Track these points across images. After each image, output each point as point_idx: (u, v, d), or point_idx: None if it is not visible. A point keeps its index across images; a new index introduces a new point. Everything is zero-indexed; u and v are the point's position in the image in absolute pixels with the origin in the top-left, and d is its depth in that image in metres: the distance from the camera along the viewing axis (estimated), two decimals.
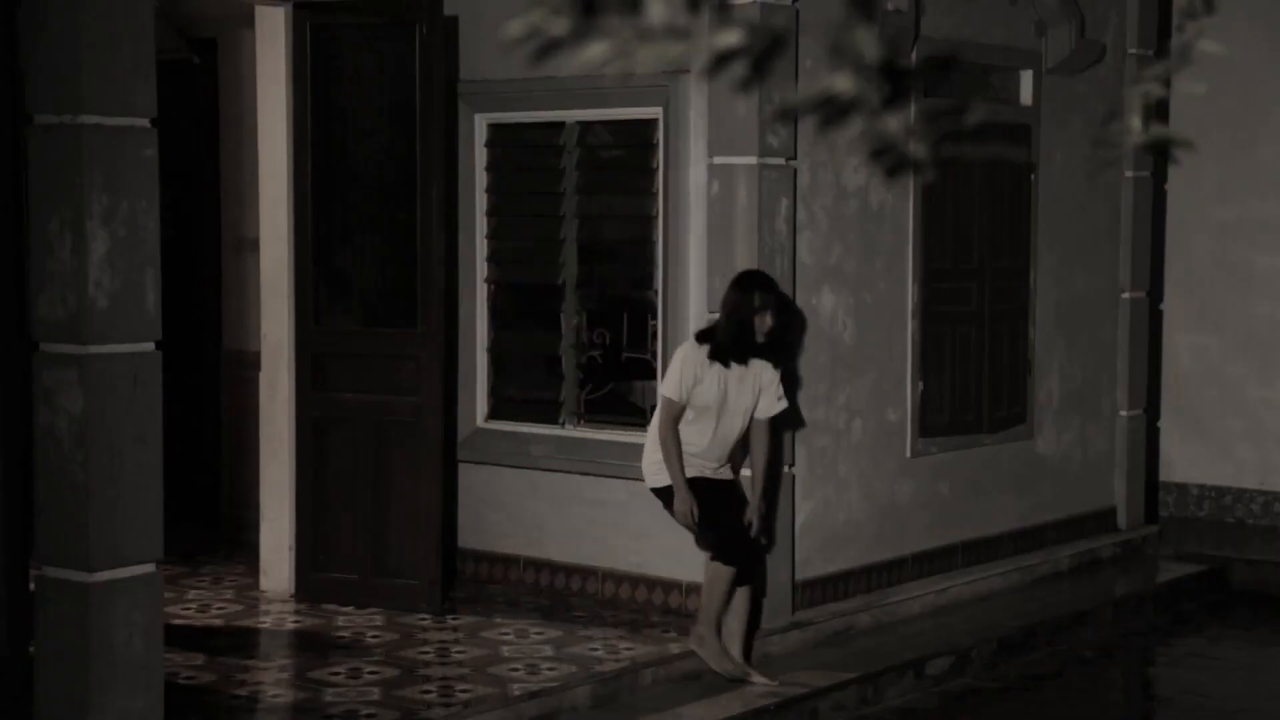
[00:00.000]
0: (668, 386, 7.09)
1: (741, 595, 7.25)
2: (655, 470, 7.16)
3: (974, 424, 9.14)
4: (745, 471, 7.40)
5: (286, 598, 8.38)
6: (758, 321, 7.03)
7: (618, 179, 8.44)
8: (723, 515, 7.15)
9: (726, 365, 7.09)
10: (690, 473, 7.10)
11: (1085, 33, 9.50)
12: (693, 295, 7.99)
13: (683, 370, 7.06)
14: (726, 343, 7.06)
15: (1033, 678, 8.21)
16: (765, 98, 7.58)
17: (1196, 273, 11.16)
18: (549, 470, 8.50)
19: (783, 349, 7.40)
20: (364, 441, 8.15)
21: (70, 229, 5.61)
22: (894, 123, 2.11)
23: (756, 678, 7.25)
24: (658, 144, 8.12)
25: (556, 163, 8.48)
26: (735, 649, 7.26)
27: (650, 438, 7.20)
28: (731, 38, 1.99)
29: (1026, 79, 9.43)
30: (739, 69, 2.03)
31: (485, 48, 8.40)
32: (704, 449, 7.15)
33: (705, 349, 7.07)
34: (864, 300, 8.41)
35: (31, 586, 6.01)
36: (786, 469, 7.93)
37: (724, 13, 2.06)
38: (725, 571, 7.13)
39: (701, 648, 7.17)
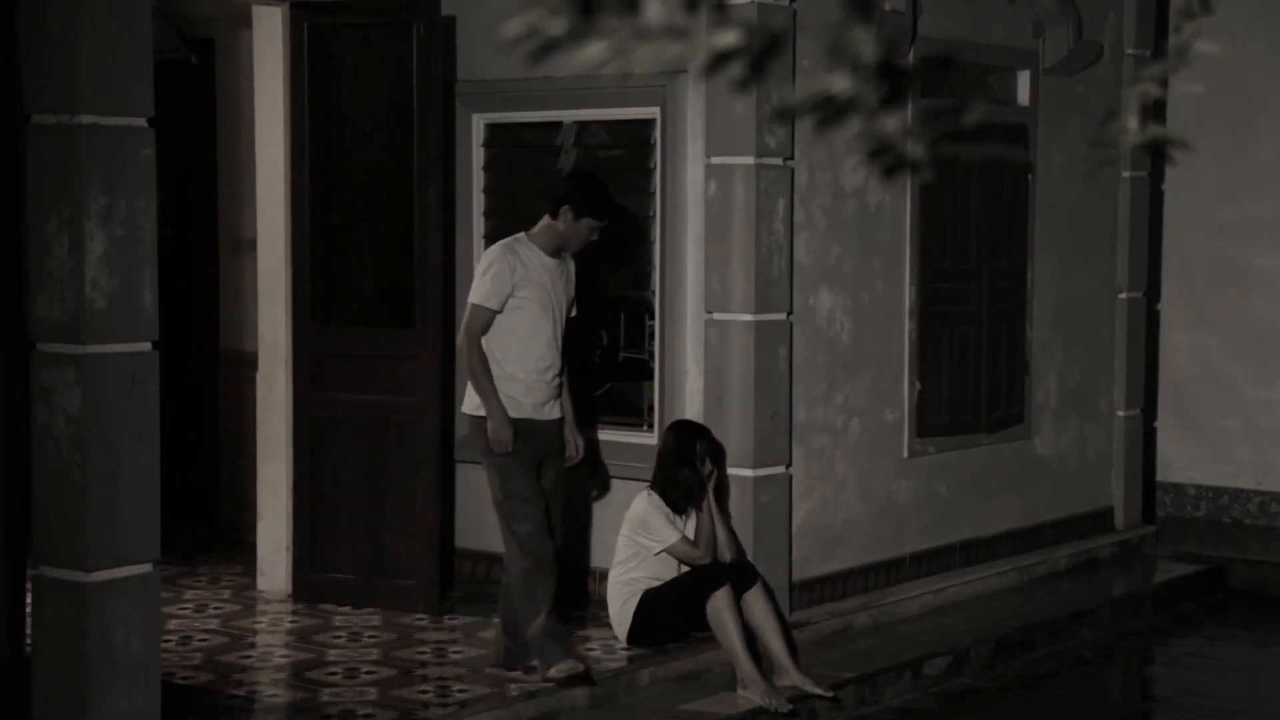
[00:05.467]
0: (668, 534, 7.36)
1: (758, 608, 7.22)
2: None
3: (972, 424, 9.14)
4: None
5: (284, 598, 8.38)
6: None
7: (615, 179, 8.42)
8: (672, 587, 7.38)
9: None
10: (657, 583, 7.42)
11: (1083, 33, 9.50)
12: (690, 295, 7.99)
13: (665, 516, 7.39)
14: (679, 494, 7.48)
15: (1031, 678, 8.21)
16: (763, 98, 7.58)
17: (1194, 273, 11.16)
18: None
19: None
20: (361, 442, 8.15)
21: (68, 229, 5.61)
22: (892, 123, 2.12)
23: (812, 688, 7.22)
24: (655, 144, 8.12)
25: (554, 163, 8.47)
26: (789, 668, 7.22)
27: (615, 584, 7.49)
28: (729, 38, 2.00)
29: (1024, 79, 9.43)
30: (737, 69, 2.03)
31: (483, 48, 8.40)
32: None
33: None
34: (862, 300, 8.42)
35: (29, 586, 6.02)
36: (784, 469, 7.93)
37: (721, 13, 2.06)
38: (721, 599, 7.12)
39: (745, 690, 7.09)
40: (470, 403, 7.02)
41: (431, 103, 7.92)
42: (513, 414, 6.90)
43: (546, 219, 7.04)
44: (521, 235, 7.06)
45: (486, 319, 6.91)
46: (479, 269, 7.03)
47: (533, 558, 6.88)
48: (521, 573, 6.90)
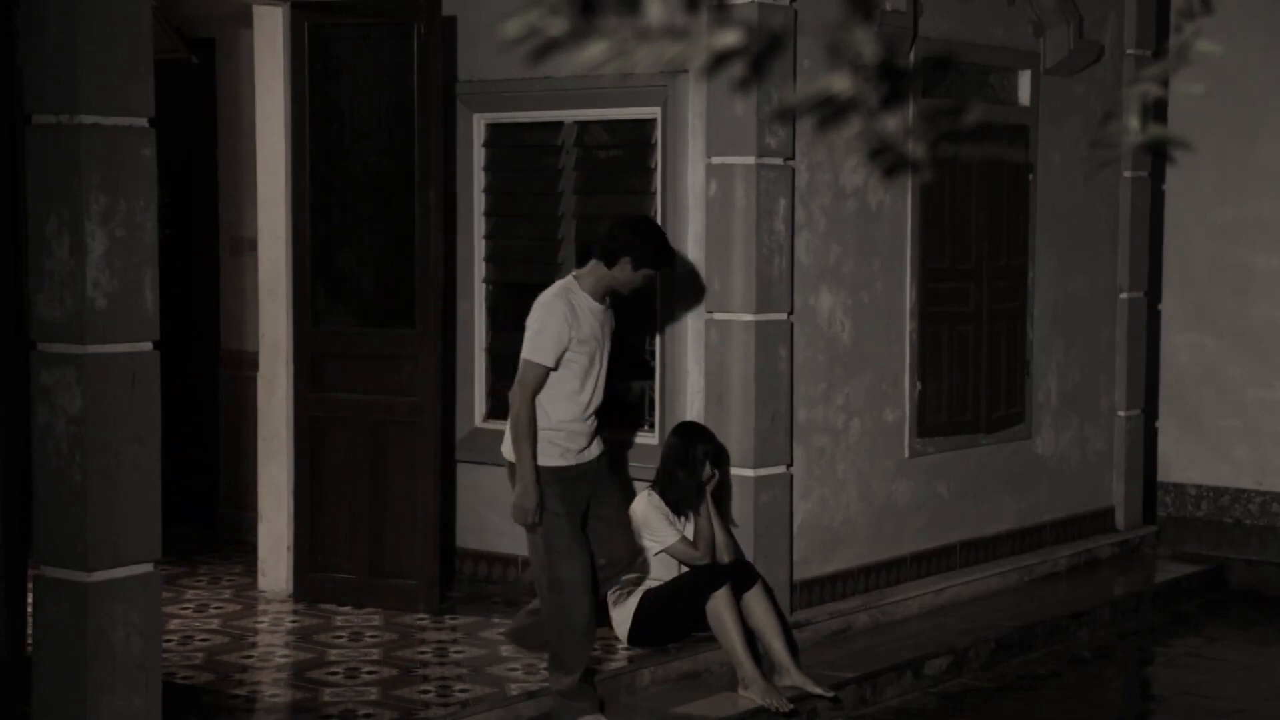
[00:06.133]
0: (668, 534, 7.36)
1: (759, 608, 7.23)
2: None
3: (972, 424, 9.14)
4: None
5: (284, 597, 8.38)
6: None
7: (616, 179, 8.44)
8: (672, 587, 7.38)
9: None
10: (657, 583, 7.42)
11: (1083, 33, 9.50)
12: (691, 295, 7.99)
13: (665, 516, 7.39)
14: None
15: (1030, 678, 8.22)
16: (763, 98, 7.59)
17: (1194, 273, 11.16)
18: None
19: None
20: (362, 441, 8.15)
21: (68, 229, 5.61)
22: (892, 123, 2.12)
23: (813, 688, 7.24)
24: (656, 144, 8.12)
25: (555, 163, 8.48)
26: (790, 668, 7.24)
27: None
28: (730, 38, 2.00)
29: (1025, 79, 9.43)
30: (737, 69, 2.04)
31: (484, 48, 8.40)
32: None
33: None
34: (862, 300, 8.42)
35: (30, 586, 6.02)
36: (784, 469, 7.94)
37: (722, 13, 2.07)
38: (721, 599, 7.12)
39: (746, 690, 7.10)
40: (510, 449, 6.78)
41: (432, 103, 7.92)
42: (561, 461, 6.69)
43: (600, 265, 6.74)
44: (572, 281, 6.77)
45: (543, 376, 6.61)
46: (534, 322, 6.67)
47: (569, 621, 6.68)
48: (558, 634, 6.72)
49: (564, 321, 6.62)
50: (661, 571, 7.40)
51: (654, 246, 6.81)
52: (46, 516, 5.75)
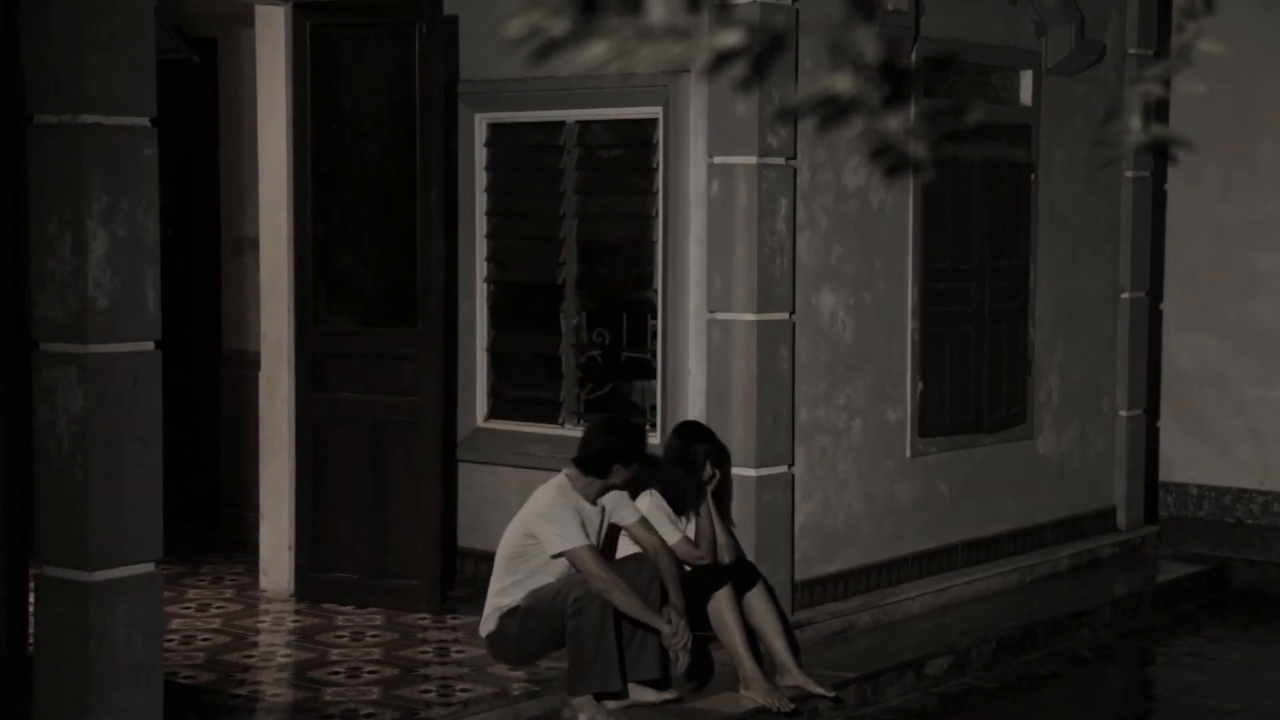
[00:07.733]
0: (670, 533, 7.26)
1: (760, 608, 7.23)
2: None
3: (973, 424, 9.14)
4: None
5: (286, 597, 8.38)
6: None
7: (617, 179, 8.45)
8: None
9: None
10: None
11: (1085, 33, 9.50)
12: (692, 295, 7.99)
13: (667, 516, 7.35)
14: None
15: (1031, 678, 8.22)
16: (765, 97, 7.59)
17: (1196, 272, 11.16)
18: (549, 470, 8.46)
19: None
20: (363, 441, 8.15)
21: (70, 228, 5.61)
22: (894, 122, 2.12)
23: (814, 688, 7.23)
24: (657, 143, 8.12)
25: (556, 162, 8.48)
26: (791, 668, 7.24)
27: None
28: (731, 37, 2.00)
29: (1026, 79, 9.43)
30: (739, 69, 2.04)
31: (485, 47, 8.40)
32: None
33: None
34: (864, 300, 8.42)
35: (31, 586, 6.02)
36: (786, 469, 7.93)
37: (724, 12, 2.07)
38: (723, 599, 7.11)
39: (748, 690, 7.10)
40: (487, 627, 7.10)
41: (433, 102, 7.92)
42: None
43: (591, 479, 6.93)
44: (566, 484, 6.96)
45: (594, 551, 6.84)
46: (550, 521, 6.84)
47: (599, 639, 6.75)
48: (587, 652, 6.77)
49: (576, 516, 6.86)
50: None
51: (638, 443, 7.08)
52: (48, 516, 5.76)
